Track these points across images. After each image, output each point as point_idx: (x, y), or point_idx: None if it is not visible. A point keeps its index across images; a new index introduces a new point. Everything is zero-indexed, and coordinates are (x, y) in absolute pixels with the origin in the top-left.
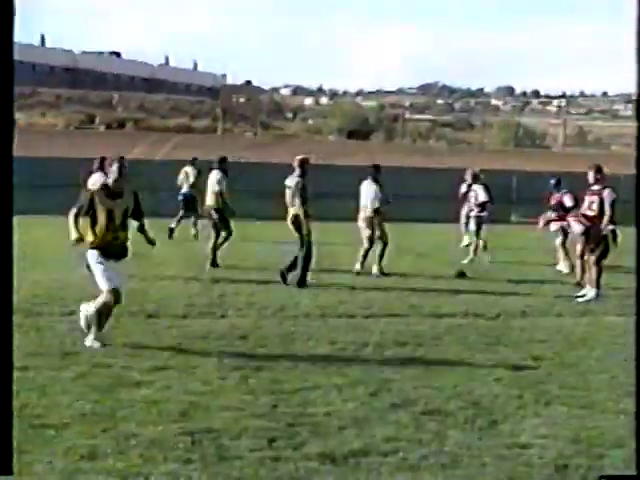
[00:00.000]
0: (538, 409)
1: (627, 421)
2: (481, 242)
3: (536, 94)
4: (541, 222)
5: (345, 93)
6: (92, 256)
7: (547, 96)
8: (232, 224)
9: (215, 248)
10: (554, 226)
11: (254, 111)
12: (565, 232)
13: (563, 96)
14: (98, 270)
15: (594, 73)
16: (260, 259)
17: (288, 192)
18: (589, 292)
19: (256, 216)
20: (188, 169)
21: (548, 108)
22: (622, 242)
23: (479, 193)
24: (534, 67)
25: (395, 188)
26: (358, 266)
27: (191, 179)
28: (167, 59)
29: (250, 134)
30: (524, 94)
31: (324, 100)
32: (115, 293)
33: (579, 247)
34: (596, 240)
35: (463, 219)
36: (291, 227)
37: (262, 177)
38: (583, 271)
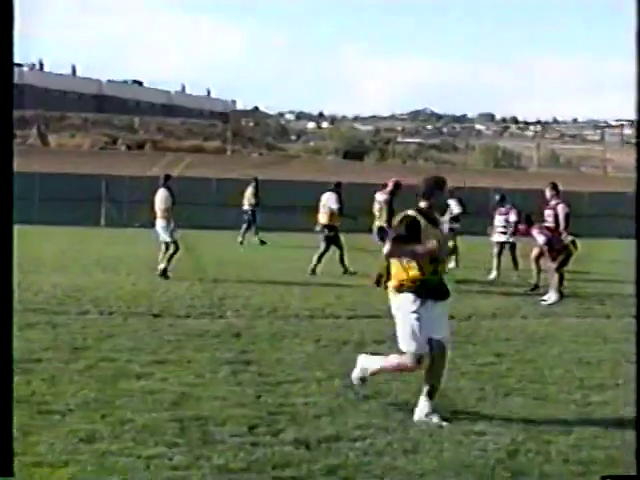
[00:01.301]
0: (496, 400)
1: (575, 410)
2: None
3: (514, 120)
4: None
5: (344, 118)
6: (406, 301)
7: (524, 122)
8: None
9: (341, 259)
10: (500, 237)
11: (261, 134)
12: (513, 245)
13: (538, 122)
14: (409, 322)
15: (566, 102)
16: (259, 264)
17: (377, 206)
18: (552, 296)
19: (260, 227)
20: (250, 189)
21: (525, 133)
22: (582, 251)
23: (454, 207)
24: (513, 96)
25: None
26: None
27: (251, 198)
28: (183, 87)
29: (256, 154)
30: (504, 120)
31: (325, 124)
32: (419, 361)
33: (535, 251)
34: (558, 249)
35: None
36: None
37: (266, 193)
38: (538, 273)
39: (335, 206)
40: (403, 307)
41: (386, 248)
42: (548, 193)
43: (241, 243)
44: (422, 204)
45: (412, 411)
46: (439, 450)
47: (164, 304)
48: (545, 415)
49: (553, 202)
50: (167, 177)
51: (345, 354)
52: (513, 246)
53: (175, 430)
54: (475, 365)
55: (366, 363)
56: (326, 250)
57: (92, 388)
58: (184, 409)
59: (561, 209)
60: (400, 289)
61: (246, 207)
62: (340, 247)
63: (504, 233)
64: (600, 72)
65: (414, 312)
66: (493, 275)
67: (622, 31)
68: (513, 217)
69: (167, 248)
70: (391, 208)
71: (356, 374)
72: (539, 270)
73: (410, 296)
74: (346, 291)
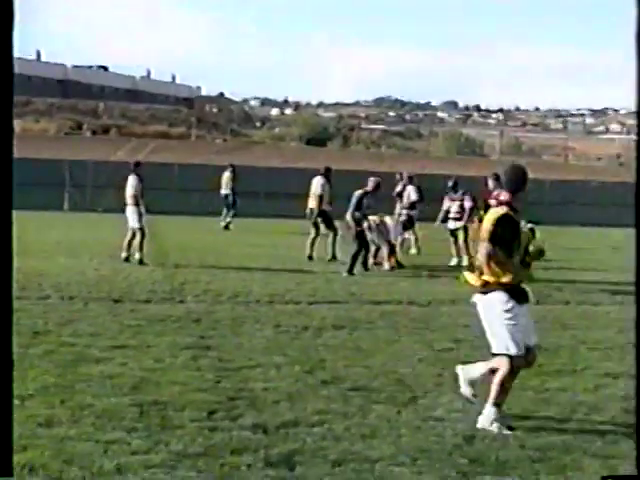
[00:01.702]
0: (455, 386)
1: (533, 397)
2: (412, 237)
3: (477, 108)
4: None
5: (308, 105)
6: (498, 301)
7: (487, 110)
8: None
9: (312, 244)
10: (454, 224)
11: (225, 120)
12: (466, 229)
13: (501, 110)
14: (504, 324)
15: (528, 90)
16: (221, 250)
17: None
18: None
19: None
20: (227, 174)
21: (488, 121)
22: (542, 238)
23: (411, 193)
24: (476, 84)
25: (350, 189)
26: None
27: (229, 182)
28: (149, 72)
29: (220, 140)
30: (467, 108)
31: (289, 111)
32: (517, 363)
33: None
34: None
35: (396, 215)
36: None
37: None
38: None
39: (319, 191)
40: (495, 307)
41: (485, 249)
42: (491, 184)
43: (225, 228)
44: (505, 196)
45: (370, 396)
46: (397, 436)
47: (125, 289)
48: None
49: (496, 192)
50: (137, 164)
51: (305, 340)
52: (466, 231)
53: (134, 415)
54: (434, 351)
55: (467, 374)
56: (333, 233)
57: (52, 373)
58: (143, 394)
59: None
60: (489, 287)
61: (224, 192)
62: (317, 231)
63: (458, 219)
64: (563, 62)
65: (508, 311)
66: (454, 261)
67: (586, 21)
68: (468, 203)
69: (134, 235)
70: (360, 204)
71: (465, 389)
72: None
73: (502, 296)
74: (307, 277)
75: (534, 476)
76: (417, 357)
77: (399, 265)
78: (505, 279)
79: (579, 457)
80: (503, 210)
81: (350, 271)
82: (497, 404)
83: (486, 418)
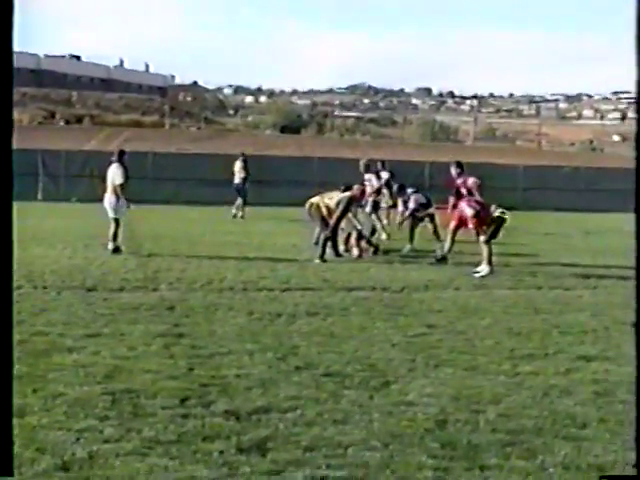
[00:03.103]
0: (427, 371)
1: (504, 381)
2: (378, 224)
3: (451, 94)
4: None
5: (282, 92)
6: None
7: (461, 96)
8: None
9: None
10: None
11: (199, 108)
12: (432, 217)
13: (475, 97)
14: None
15: (501, 77)
16: (194, 238)
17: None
18: (484, 268)
19: (198, 201)
20: (238, 163)
21: (462, 107)
22: (516, 223)
23: (373, 180)
24: (450, 71)
25: (324, 177)
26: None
27: (241, 172)
28: (122, 61)
29: (195, 129)
30: (440, 94)
31: (263, 99)
32: None
33: (453, 224)
34: (487, 222)
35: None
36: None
37: (203, 167)
38: (451, 245)
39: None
40: None
41: None
42: (453, 171)
43: (234, 217)
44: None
45: (342, 382)
46: (369, 420)
47: (99, 278)
48: (474, 385)
49: (460, 180)
50: (122, 153)
51: (278, 326)
52: (432, 217)
53: (106, 403)
54: (406, 336)
55: None
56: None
57: (24, 362)
58: (116, 382)
59: (472, 182)
60: None
61: (237, 181)
62: None
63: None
64: (537, 47)
65: None
66: (407, 248)
67: (562, 6)
68: (412, 205)
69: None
70: (345, 212)
71: None
72: (453, 242)
73: None
74: (281, 264)
75: (505, 460)
76: (390, 343)
77: (376, 249)
78: None
79: (550, 440)
80: None
81: (322, 257)
82: None
83: None
